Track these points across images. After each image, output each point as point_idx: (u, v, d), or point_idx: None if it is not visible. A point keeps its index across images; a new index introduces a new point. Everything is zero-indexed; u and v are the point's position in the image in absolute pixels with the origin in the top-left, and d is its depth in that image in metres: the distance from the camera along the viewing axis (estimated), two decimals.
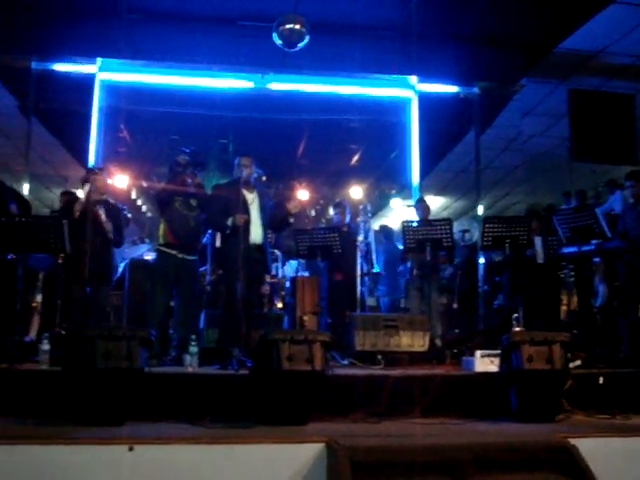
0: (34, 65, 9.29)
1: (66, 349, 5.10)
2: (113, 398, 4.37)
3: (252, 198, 6.65)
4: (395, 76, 10.02)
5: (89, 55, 9.31)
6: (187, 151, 6.78)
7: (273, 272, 8.56)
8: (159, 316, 6.64)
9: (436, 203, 15.28)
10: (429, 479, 3.72)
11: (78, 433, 4.11)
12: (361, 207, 8.83)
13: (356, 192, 11.91)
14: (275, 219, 6.79)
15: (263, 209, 6.69)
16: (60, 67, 9.48)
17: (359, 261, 7.88)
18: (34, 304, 7.61)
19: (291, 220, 6.88)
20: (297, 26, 8.17)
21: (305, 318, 8.11)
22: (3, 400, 4.77)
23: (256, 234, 6.56)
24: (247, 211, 6.49)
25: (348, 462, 3.64)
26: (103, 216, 6.63)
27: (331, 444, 3.87)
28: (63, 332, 6.27)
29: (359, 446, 3.84)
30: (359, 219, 8.64)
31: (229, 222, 6.37)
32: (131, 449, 3.76)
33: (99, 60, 9.41)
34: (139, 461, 3.77)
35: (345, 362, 6.64)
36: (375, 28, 9.35)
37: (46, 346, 5.63)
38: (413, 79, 10.07)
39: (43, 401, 4.76)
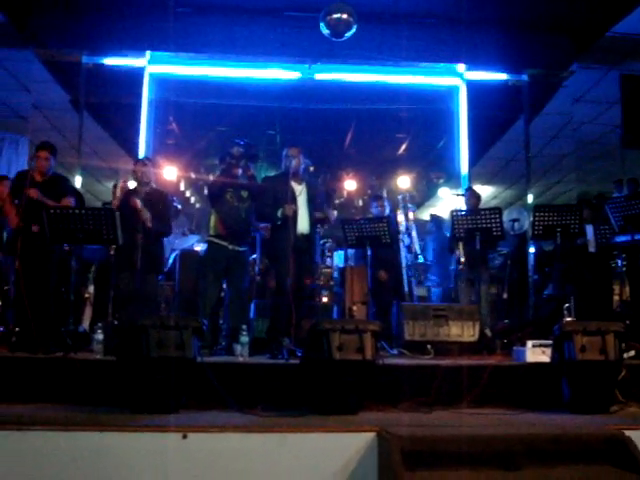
0: (85, 60, 9.42)
1: (120, 339, 5.19)
2: (166, 386, 4.43)
3: (300, 189, 6.69)
4: (442, 64, 9.94)
5: (138, 48, 9.40)
6: (241, 143, 6.78)
7: (327, 262, 8.61)
8: (211, 307, 6.71)
9: (485, 192, 15.08)
10: (481, 470, 3.69)
11: (133, 421, 4.19)
12: (400, 197, 8.79)
13: (403, 181, 11.84)
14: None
15: (311, 200, 6.72)
16: (110, 61, 9.60)
17: (403, 253, 7.86)
18: (86, 295, 7.75)
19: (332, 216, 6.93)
20: (344, 15, 8.12)
21: (354, 308, 8.14)
22: (59, 388, 4.91)
23: (303, 225, 6.60)
24: (295, 201, 6.53)
25: (399, 452, 3.64)
26: (139, 204, 6.59)
27: (382, 434, 3.88)
28: (116, 322, 6.39)
29: (410, 436, 3.83)
30: (399, 210, 8.63)
31: (279, 213, 6.42)
32: (185, 437, 3.82)
33: (148, 53, 9.51)
34: (193, 449, 3.83)
35: (394, 352, 6.64)
36: (422, 16, 9.25)
37: (100, 336, 5.74)
38: (461, 67, 9.96)
39: (97, 389, 4.87)
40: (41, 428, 3.84)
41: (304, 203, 6.67)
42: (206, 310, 6.58)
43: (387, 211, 8.53)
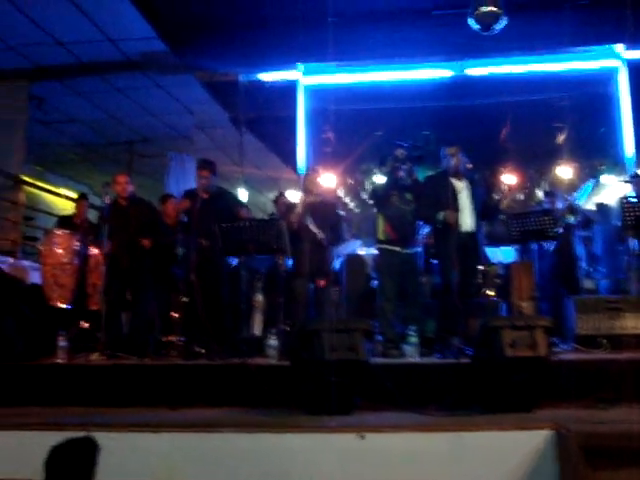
0: (241, 78, 9.83)
1: (293, 343, 5.38)
2: (341, 388, 4.52)
3: (461, 187, 6.64)
4: (599, 46, 9.56)
5: (291, 62, 9.69)
6: (405, 145, 6.81)
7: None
8: (393, 309, 6.68)
9: None
10: None
11: (311, 422, 4.34)
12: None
13: (564, 172, 11.47)
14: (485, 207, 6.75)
15: (474, 197, 6.66)
16: (265, 76, 9.96)
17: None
18: (256, 303, 8.06)
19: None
20: (493, 8, 8.00)
21: (522, 304, 7.97)
22: (237, 393, 5.17)
23: (467, 222, 6.56)
24: (456, 200, 6.51)
25: (581, 449, 3.57)
26: (313, 227, 6.80)
27: (561, 431, 3.80)
28: (287, 328, 6.61)
29: (591, 432, 3.73)
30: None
31: (440, 217, 6.43)
32: (362, 437, 3.91)
33: (301, 65, 9.78)
34: (370, 448, 3.91)
35: (566, 347, 6.47)
36: None
37: (273, 342, 5.97)
38: (619, 47, 9.54)
39: (273, 393, 5.05)
40: (226, 430, 4.06)
41: (467, 200, 6.62)
42: (388, 316, 6.60)
43: (559, 206, 8.30)
